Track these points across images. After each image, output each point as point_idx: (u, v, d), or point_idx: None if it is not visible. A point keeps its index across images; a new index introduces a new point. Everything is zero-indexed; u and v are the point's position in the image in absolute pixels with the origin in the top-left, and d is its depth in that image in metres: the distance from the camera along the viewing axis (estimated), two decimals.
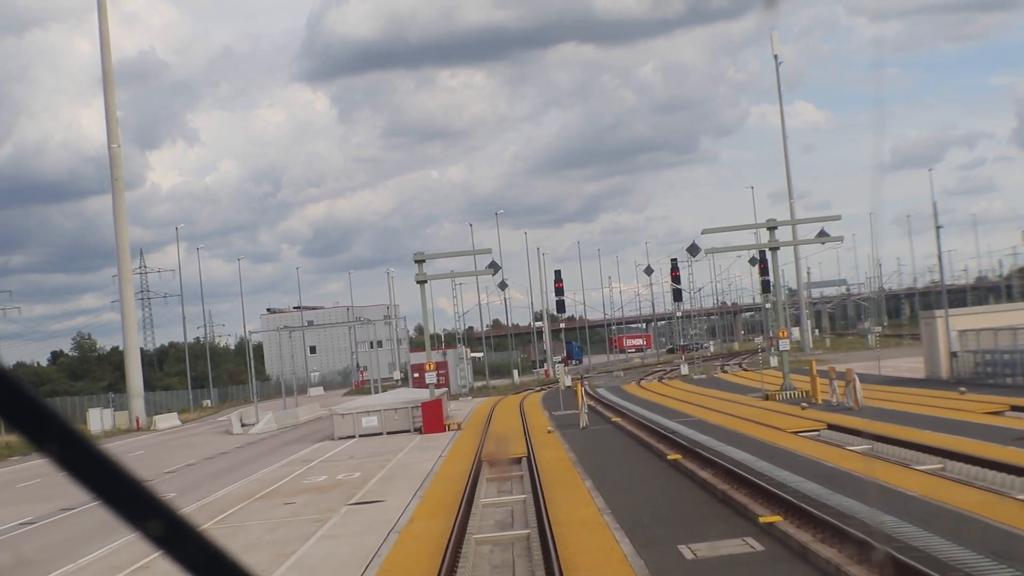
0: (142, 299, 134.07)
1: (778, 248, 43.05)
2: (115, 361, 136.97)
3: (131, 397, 64.34)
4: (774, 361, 77.84)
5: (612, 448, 29.63)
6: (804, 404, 36.92)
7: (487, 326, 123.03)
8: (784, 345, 43.10)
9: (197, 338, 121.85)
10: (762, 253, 77.45)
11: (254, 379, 68.63)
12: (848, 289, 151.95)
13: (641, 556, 14.35)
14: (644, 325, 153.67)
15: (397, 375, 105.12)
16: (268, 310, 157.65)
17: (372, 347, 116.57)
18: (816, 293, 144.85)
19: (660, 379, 75.26)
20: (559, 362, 52.54)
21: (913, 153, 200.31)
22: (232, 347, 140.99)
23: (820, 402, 37.70)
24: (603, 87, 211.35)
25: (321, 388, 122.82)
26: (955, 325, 43.49)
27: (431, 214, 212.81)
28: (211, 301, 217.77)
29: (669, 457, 24.23)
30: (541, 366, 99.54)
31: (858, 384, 34.45)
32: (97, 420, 60.85)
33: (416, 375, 66.09)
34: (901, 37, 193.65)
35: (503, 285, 77.58)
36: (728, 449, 25.18)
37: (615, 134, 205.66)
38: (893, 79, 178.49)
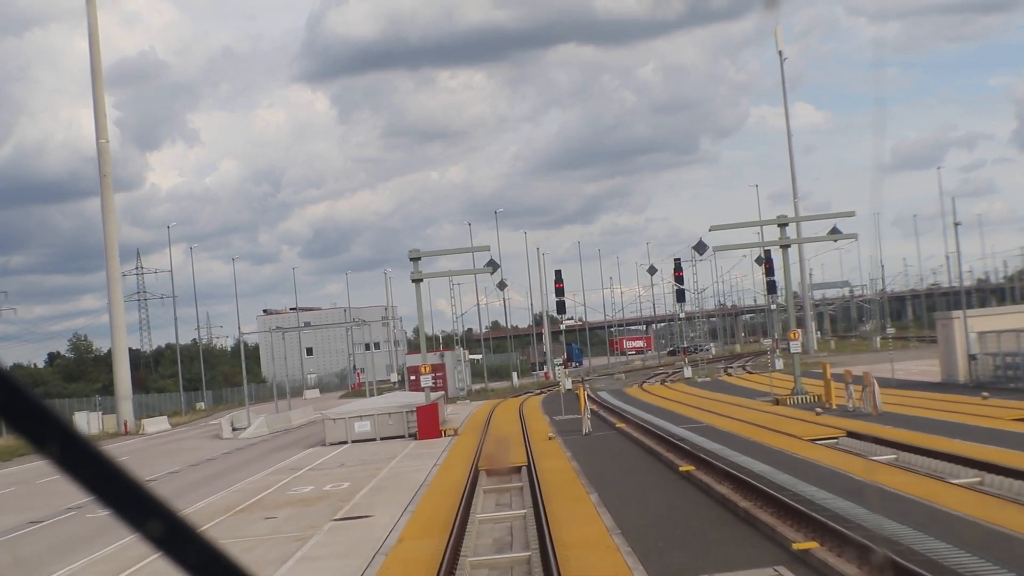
0: (138, 300, 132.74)
1: (789, 246, 41.24)
2: (111, 363, 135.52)
3: (119, 400, 62.51)
4: (779, 364, 76.25)
5: (618, 457, 27.82)
6: (818, 409, 35.13)
7: (486, 328, 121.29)
8: (795, 347, 41.28)
9: (195, 339, 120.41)
10: (767, 252, 75.97)
11: (247, 381, 66.76)
12: (851, 291, 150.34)
13: None
14: (644, 327, 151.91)
15: (394, 377, 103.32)
16: (265, 311, 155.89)
17: (368, 349, 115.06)
18: (817, 295, 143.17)
19: (663, 382, 73.46)
20: (560, 365, 50.71)
21: (913, 154, 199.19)
22: (229, 349, 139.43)
23: (835, 407, 35.93)
24: (603, 88, 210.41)
25: (317, 391, 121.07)
26: (973, 326, 41.69)
27: (431, 215, 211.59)
28: (210, 302, 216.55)
29: (681, 468, 22.42)
30: (541, 368, 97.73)
31: (876, 388, 32.66)
32: (84, 424, 59.03)
33: (412, 378, 64.30)
34: (901, 38, 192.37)
35: (502, 285, 75.83)
36: (743, 459, 23.40)
37: (615, 135, 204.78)
38: (893, 80, 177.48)
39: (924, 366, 58.25)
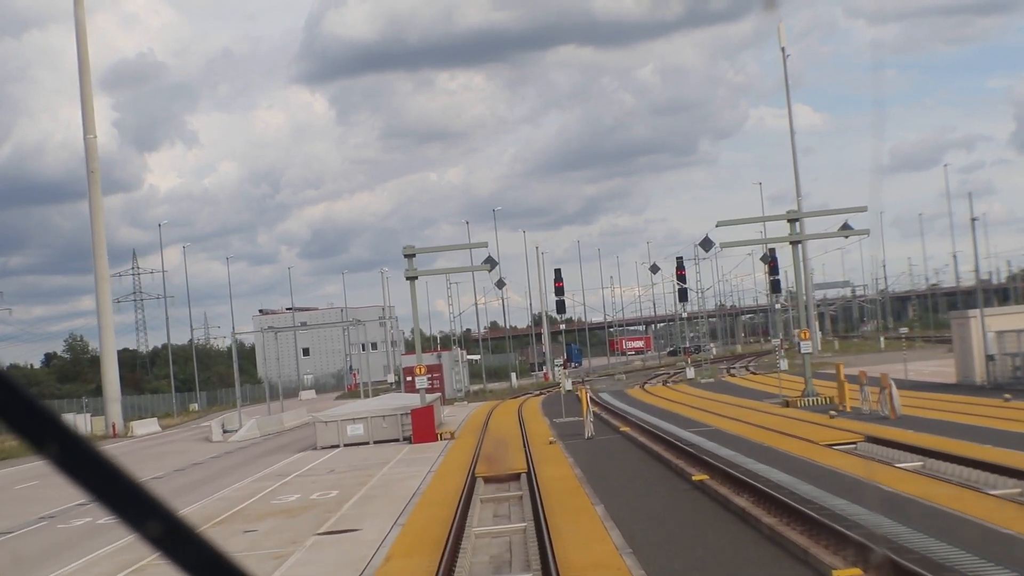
0: (135, 300, 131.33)
1: (800, 242, 39.60)
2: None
3: (107, 401, 60.82)
4: (784, 364, 74.59)
5: (624, 464, 26.16)
6: (832, 412, 33.47)
7: (484, 328, 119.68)
8: (806, 347, 39.62)
9: (191, 340, 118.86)
10: (772, 251, 74.36)
11: (239, 382, 65.13)
12: (853, 291, 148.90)
13: None
14: (644, 327, 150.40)
15: (391, 378, 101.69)
16: (261, 311, 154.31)
17: (364, 349, 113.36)
18: (818, 295, 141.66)
19: (665, 383, 71.84)
20: (560, 365, 49.09)
21: (912, 156, 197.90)
22: (226, 349, 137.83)
23: (849, 410, 34.28)
24: (602, 89, 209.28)
25: (313, 392, 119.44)
26: (990, 326, 40.05)
27: (430, 216, 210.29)
28: (209, 303, 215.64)
29: (694, 478, 20.75)
30: (540, 369, 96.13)
31: (895, 390, 31.02)
32: None
33: (408, 379, 62.59)
34: (900, 39, 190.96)
35: (500, 283, 74.18)
36: (759, 467, 21.76)
37: (614, 136, 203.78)
38: (892, 81, 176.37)
39: (935, 366, 56.67)
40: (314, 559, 17.27)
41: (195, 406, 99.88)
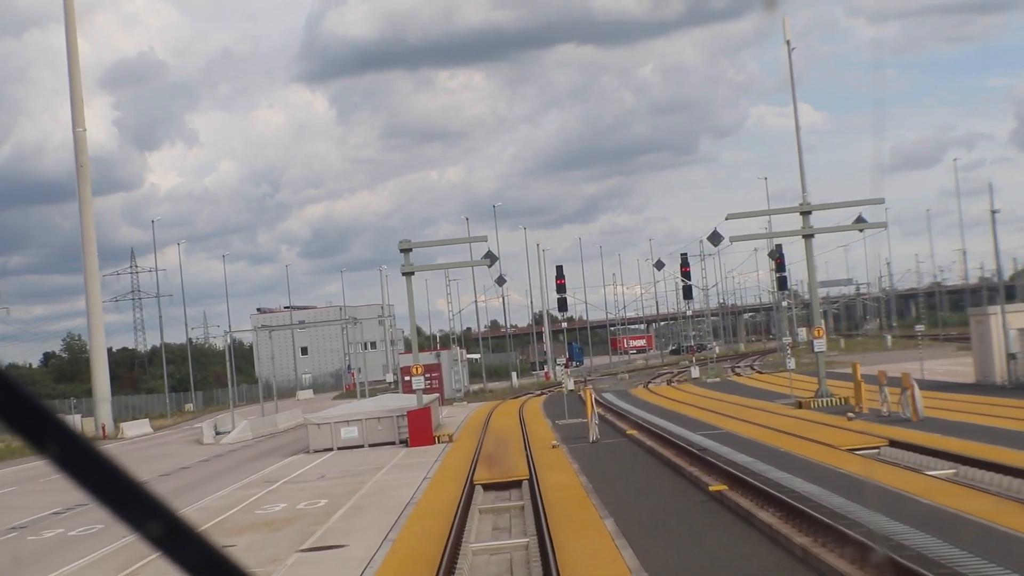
0: (132, 300, 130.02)
1: (812, 235, 37.92)
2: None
3: (97, 402, 59.12)
4: (791, 363, 72.87)
5: (633, 471, 24.48)
6: (850, 414, 31.80)
7: (484, 327, 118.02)
8: (820, 345, 37.95)
9: (190, 339, 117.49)
10: (779, 247, 72.63)
11: (232, 382, 63.55)
12: (857, 288, 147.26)
13: None
14: (645, 326, 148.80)
15: (390, 377, 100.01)
16: (258, 310, 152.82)
17: (364, 348, 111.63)
18: (821, 292, 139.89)
19: (669, 382, 70.17)
20: (562, 365, 47.41)
21: (912, 154, 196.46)
22: (224, 348, 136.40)
23: (866, 412, 32.62)
24: (602, 88, 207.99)
25: (311, 391, 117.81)
26: (1011, 323, 38.38)
27: (430, 215, 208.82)
28: (209, 302, 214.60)
29: (711, 488, 19.07)
30: (541, 368, 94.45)
31: (917, 391, 29.35)
32: None
33: (406, 379, 60.88)
34: (900, 38, 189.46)
35: (500, 280, 72.50)
36: (780, 475, 20.08)
37: (614, 135, 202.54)
38: (892, 80, 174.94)
39: (948, 365, 55.08)
40: None
41: (190, 406, 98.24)
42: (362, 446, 37.91)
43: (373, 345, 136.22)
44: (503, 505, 22.19)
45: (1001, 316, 38.53)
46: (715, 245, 39.19)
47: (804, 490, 17.87)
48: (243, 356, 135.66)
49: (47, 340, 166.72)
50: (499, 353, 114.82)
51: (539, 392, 71.16)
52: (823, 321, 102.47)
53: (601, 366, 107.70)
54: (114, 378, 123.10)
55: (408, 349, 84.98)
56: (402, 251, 37.95)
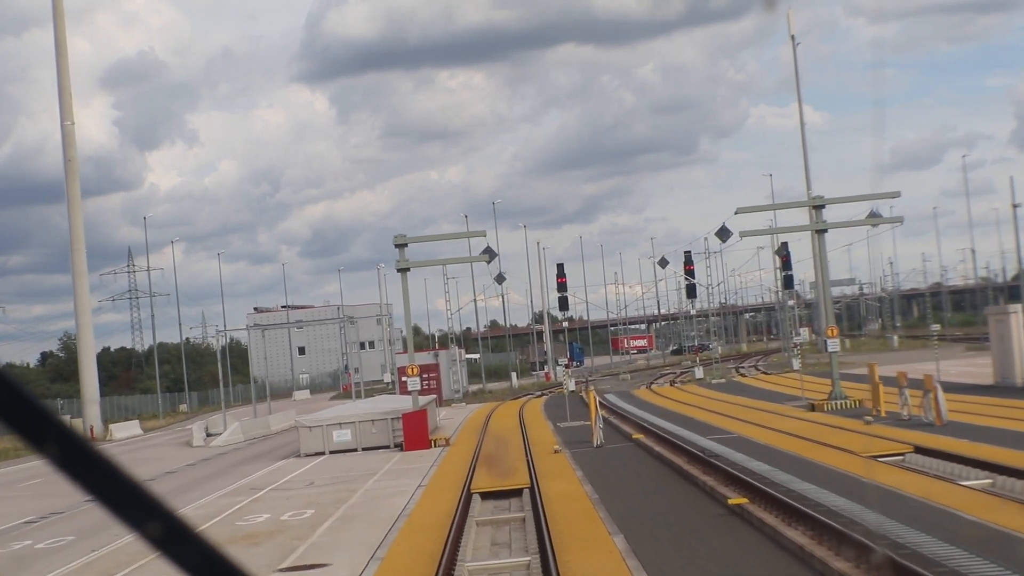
0: (130, 299, 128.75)
1: (825, 230, 36.30)
2: (102, 363, 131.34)
3: (85, 403, 57.47)
4: (796, 364, 71.20)
5: (642, 479, 22.84)
6: (868, 418, 30.18)
7: (484, 326, 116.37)
8: (833, 345, 36.34)
9: (188, 339, 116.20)
10: (784, 245, 70.95)
11: (227, 383, 61.93)
12: (861, 288, 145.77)
13: None
14: (646, 326, 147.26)
15: (388, 378, 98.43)
16: (255, 309, 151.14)
17: (361, 348, 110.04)
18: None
19: (672, 383, 68.57)
20: (564, 365, 45.80)
21: (912, 154, 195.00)
22: (220, 348, 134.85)
23: (884, 415, 31.00)
24: (602, 88, 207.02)
25: (308, 392, 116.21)
26: None
27: (430, 215, 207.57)
28: (208, 302, 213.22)
29: (731, 501, 17.43)
30: (541, 368, 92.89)
31: (940, 394, 27.75)
32: None
33: (403, 379, 59.29)
34: (900, 38, 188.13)
35: (500, 278, 70.85)
36: (804, 486, 18.47)
37: (614, 135, 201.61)
38: (892, 80, 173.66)
39: (961, 366, 53.47)
40: None
41: (184, 407, 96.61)
42: (355, 450, 36.33)
43: (371, 345, 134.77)
44: (502, 517, 20.57)
45: (1022, 315, 36.91)
46: (723, 241, 37.62)
47: (834, 504, 16.26)
48: (240, 356, 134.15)
49: (45, 340, 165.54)
50: (499, 353, 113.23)
51: (539, 393, 69.54)
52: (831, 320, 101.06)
53: (602, 366, 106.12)
54: (111, 378, 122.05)
55: (406, 349, 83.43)
56: (397, 246, 36.36)
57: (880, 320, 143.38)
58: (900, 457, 23.44)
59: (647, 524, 16.84)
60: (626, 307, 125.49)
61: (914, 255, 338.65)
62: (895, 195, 35.91)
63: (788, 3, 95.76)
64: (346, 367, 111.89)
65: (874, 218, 37.80)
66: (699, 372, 68.67)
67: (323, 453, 36.37)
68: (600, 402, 34.11)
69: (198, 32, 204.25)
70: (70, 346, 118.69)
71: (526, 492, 22.56)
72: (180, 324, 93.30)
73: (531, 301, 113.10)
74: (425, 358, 65.21)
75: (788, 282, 76.31)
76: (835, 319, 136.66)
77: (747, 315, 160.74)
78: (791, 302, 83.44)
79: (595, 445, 29.86)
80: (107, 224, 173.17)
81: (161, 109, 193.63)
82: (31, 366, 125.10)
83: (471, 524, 19.55)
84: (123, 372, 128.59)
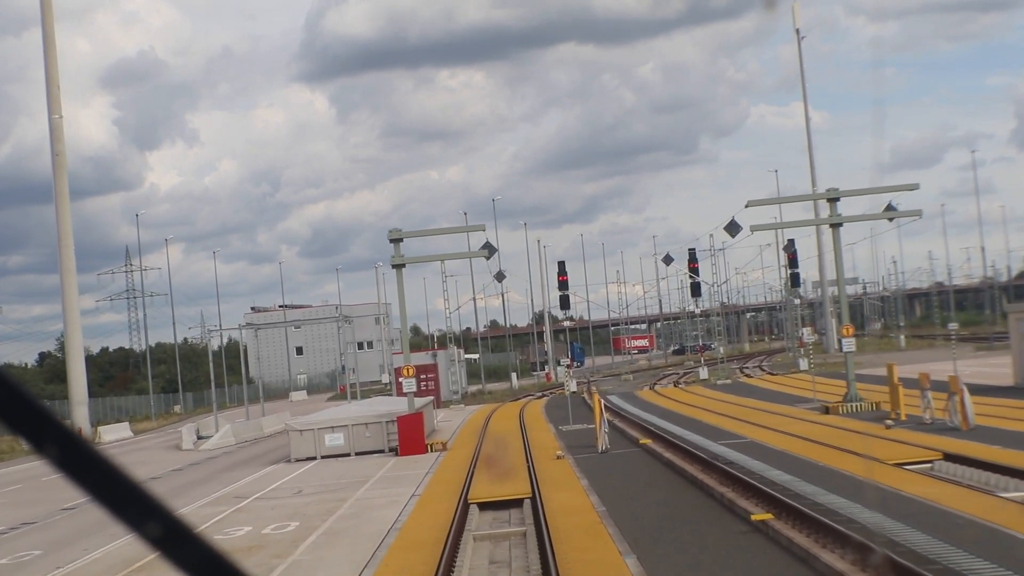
0: (128, 299, 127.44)
1: (841, 224, 34.68)
2: (99, 363, 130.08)
3: (73, 405, 55.83)
4: (803, 364, 69.55)
5: (652, 489, 21.20)
6: (888, 421, 28.57)
7: (484, 326, 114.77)
8: (849, 344, 34.74)
9: (186, 339, 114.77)
10: (791, 242, 69.37)
11: (220, 383, 60.36)
12: (864, 287, 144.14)
13: None
14: (646, 325, 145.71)
15: (385, 378, 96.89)
16: (252, 308, 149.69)
17: (359, 348, 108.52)
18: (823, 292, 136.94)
19: (676, 383, 66.96)
20: (565, 366, 44.21)
21: (912, 154, 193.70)
22: (217, 348, 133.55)
23: (904, 418, 29.41)
24: (602, 87, 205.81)
25: (305, 392, 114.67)
26: None
27: (430, 215, 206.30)
28: (208, 302, 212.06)
29: (754, 517, 15.82)
30: (541, 369, 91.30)
31: (967, 396, 26.16)
32: None
33: (400, 380, 57.66)
34: (900, 37, 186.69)
35: (500, 276, 69.22)
36: (834, 500, 16.85)
37: (614, 134, 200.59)
38: (891, 79, 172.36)
39: (974, 367, 51.92)
40: None
41: (179, 408, 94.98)
42: (348, 455, 34.74)
43: (370, 345, 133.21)
44: (502, 532, 18.97)
45: None
46: (733, 235, 35.97)
47: (868, 520, 14.66)
48: (239, 356, 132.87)
49: (44, 340, 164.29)
50: (498, 353, 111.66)
51: (540, 394, 67.95)
52: (832, 320, 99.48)
53: (603, 366, 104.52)
54: (108, 378, 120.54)
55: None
56: (392, 241, 34.75)
57: (882, 320, 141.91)
58: (928, 465, 21.88)
59: (661, 543, 15.23)
60: (627, 306, 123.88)
61: (914, 255, 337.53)
62: (913, 187, 34.30)
63: (787, 3, 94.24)
64: (344, 367, 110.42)
65: (891, 211, 36.13)
66: (703, 372, 67.08)
67: (315, 458, 34.79)
68: (605, 405, 32.49)
69: (198, 32, 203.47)
70: None
71: (527, 502, 21.01)
72: (174, 324, 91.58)
73: (531, 300, 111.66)
74: (423, 358, 63.62)
75: (795, 280, 74.96)
76: (835, 319, 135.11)
77: (747, 315, 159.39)
78: (797, 301, 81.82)
79: (600, 450, 28.27)
80: (107, 224, 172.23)
81: (161, 109, 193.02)
82: (29, 366, 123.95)
83: (468, 539, 17.99)
84: (120, 373, 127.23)
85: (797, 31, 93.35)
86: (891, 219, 35.89)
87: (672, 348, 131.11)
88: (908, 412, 29.63)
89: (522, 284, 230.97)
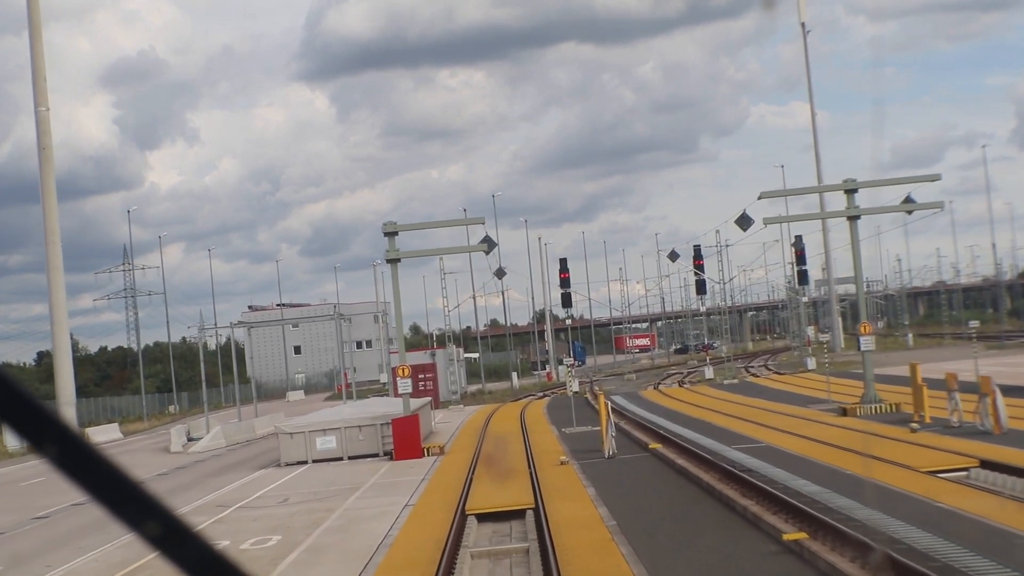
0: (125, 298, 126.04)
1: (859, 216, 32.99)
2: (98, 362, 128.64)
3: (60, 406, 54.16)
4: (811, 363, 67.93)
5: (666, 501, 19.47)
6: (914, 424, 26.87)
7: (484, 325, 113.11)
8: (867, 343, 33.05)
9: (184, 338, 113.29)
10: (799, 239, 67.72)
11: (205, 383, 58.81)
12: (869, 286, 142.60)
13: None
14: (648, 324, 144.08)
15: (384, 378, 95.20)
16: (250, 307, 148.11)
17: (358, 347, 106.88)
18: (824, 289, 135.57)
19: (681, 383, 65.28)
20: (568, 364, 42.57)
21: (912, 153, 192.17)
22: (215, 347, 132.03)
23: (929, 420, 27.71)
24: (603, 86, 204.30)
25: (302, 392, 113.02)
26: None
27: (430, 214, 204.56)
28: (207, 301, 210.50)
29: (786, 536, 14.11)
30: (542, 368, 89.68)
31: (1000, 398, 24.47)
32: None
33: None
34: (900, 36, 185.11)
35: (500, 272, 67.54)
36: (872, 515, 15.14)
37: (614, 134, 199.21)
38: (891, 78, 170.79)
39: (992, 366, 50.14)
40: None
41: (173, 408, 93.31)
42: (341, 459, 33.08)
43: (369, 344, 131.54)
44: (502, 548, 17.28)
45: None
46: (744, 229, 34.28)
47: (917, 540, 12.96)
48: (238, 356, 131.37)
49: (43, 339, 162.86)
50: (499, 352, 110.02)
51: (541, 394, 66.29)
52: (840, 319, 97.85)
53: (605, 365, 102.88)
54: (105, 377, 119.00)
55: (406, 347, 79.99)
56: (387, 235, 33.09)
57: (886, 319, 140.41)
58: (964, 473, 20.19)
59: (682, 566, 13.53)
60: (629, 305, 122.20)
61: (915, 253, 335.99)
62: (935, 178, 32.72)
63: (787, 2, 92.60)
64: (342, 367, 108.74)
65: (910, 204, 34.46)
66: (709, 372, 65.38)
67: (306, 462, 33.14)
68: (612, 407, 30.80)
69: (198, 31, 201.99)
70: None
71: (529, 514, 19.34)
72: (168, 322, 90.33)
73: (532, 299, 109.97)
74: (420, 357, 61.95)
75: (803, 277, 73.32)
76: (840, 317, 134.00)
77: (750, 314, 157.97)
78: (805, 299, 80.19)
79: (607, 456, 26.58)
80: (108, 223, 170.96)
81: (161, 108, 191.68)
82: (27, 366, 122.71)
83: (464, 557, 16.32)
84: (118, 372, 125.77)
85: (803, 25, 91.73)
86: (910, 212, 34.23)
87: (674, 347, 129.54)
88: (935, 414, 27.94)
89: (523, 283, 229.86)
